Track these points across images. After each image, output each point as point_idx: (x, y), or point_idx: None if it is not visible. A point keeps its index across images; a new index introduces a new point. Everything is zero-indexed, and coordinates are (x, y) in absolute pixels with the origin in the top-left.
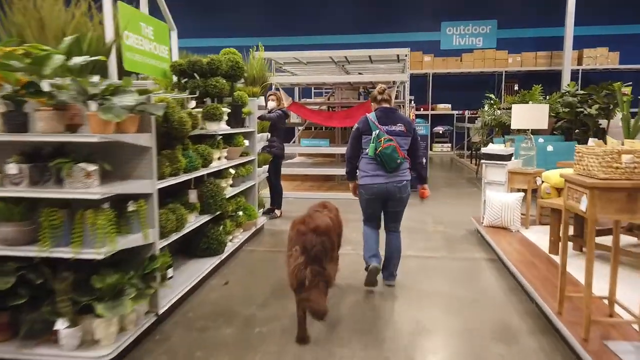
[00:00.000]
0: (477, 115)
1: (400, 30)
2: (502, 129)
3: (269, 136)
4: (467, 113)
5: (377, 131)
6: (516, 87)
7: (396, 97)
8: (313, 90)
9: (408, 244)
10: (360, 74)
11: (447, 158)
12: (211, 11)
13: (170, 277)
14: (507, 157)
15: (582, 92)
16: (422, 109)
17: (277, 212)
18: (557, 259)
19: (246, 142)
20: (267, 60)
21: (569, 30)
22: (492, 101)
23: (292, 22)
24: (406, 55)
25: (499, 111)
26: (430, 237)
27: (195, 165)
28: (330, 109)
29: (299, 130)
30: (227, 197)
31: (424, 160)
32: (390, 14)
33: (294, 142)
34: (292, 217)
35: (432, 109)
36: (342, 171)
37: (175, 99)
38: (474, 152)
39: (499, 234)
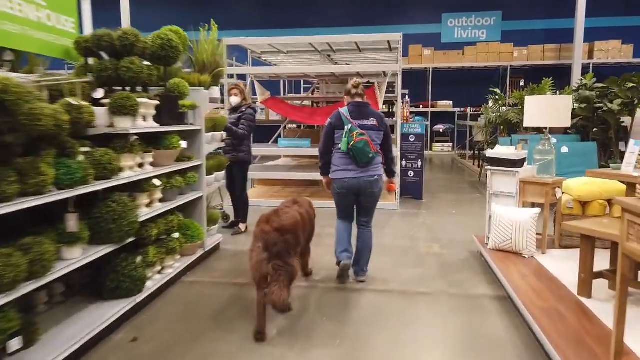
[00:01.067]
0: (480, 113)
1: (398, 23)
2: (508, 128)
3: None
4: (469, 110)
5: (350, 125)
6: (522, 83)
7: (388, 92)
8: (302, 85)
9: (392, 270)
10: (348, 64)
11: (448, 159)
12: (196, 4)
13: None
14: (519, 163)
15: (600, 85)
16: (421, 106)
17: (242, 226)
18: (590, 305)
19: (183, 144)
20: (237, 50)
21: (580, 21)
22: (497, 97)
23: (282, 15)
24: (399, 42)
25: (504, 108)
26: (423, 262)
27: (76, 178)
28: (315, 104)
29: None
30: (149, 216)
31: (394, 156)
32: (386, 4)
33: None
34: None
35: (432, 106)
36: None
37: (62, 85)
38: (476, 152)
39: (509, 260)
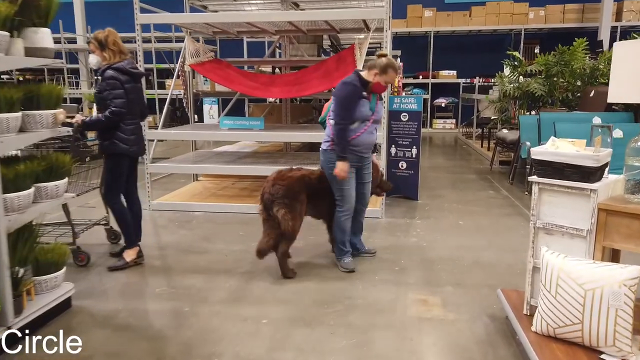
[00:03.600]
0: (491, 84)
1: None
2: (529, 102)
3: (89, 118)
4: (478, 81)
5: None
6: (537, 50)
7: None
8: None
9: None
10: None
11: (450, 138)
12: None
13: None
14: (597, 173)
15: None
16: (420, 77)
17: (129, 254)
18: None
19: None
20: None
21: None
22: (515, 62)
23: None
24: None
25: (522, 78)
26: (411, 345)
27: None
28: (279, 71)
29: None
30: None
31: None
32: None
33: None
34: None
35: (433, 77)
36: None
37: None
38: (486, 132)
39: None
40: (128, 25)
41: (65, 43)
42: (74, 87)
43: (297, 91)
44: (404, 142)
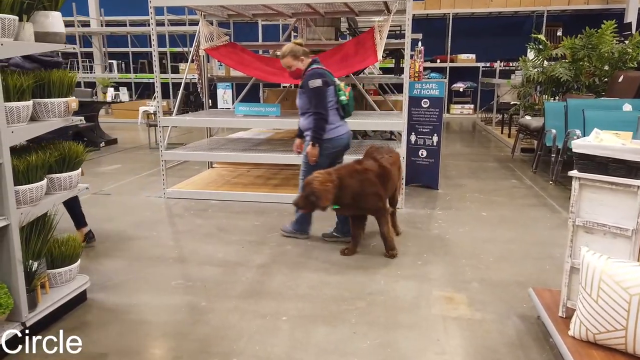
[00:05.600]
0: (514, 68)
1: None
2: (554, 87)
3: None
4: (499, 65)
5: (336, 80)
6: (559, 33)
7: (394, 36)
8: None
9: None
10: None
11: (468, 123)
12: None
13: None
14: None
15: None
16: (438, 60)
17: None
18: None
19: None
20: None
21: None
22: (540, 46)
23: None
24: None
25: (546, 62)
26: (438, 347)
27: None
28: None
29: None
30: None
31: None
32: None
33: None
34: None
35: (452, 61)
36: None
37: None
38: (506, 118)
39: None
40: (143, 8)
41: (78, 26)
42: (88, 72)
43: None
44: (424, 130)
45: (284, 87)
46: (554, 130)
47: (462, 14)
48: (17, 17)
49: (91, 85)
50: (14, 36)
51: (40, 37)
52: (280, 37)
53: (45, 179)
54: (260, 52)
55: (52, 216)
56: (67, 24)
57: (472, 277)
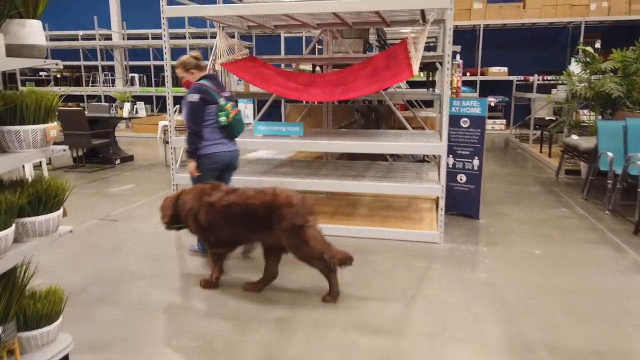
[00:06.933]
0: (553, 82)
1: None
2: (603, 104)
3: None
4: (536, 79)
5: (221, 99)
6: (597, 45)
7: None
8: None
9: None
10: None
11: (500, 139)
12: None
13: None
14: None
15: None
16: (468, 74)
17: None
18: None
19: None
20: None
21: None
22: (587, 59)
23: None
24: None
25: (593, 76)
26: None
27: None
28: (320, 70)
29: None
30: None
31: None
32: None
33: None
34: None
35: (482, 74)
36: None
37: None
38: (546, 135)
39: None
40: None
41: (100, 40)
42: (110, 85)
43: (341, 93)
44: (463, 152)
45: (306, 102)
46: (610, 154)
47: (493, 25)
48: None
49: (113, 100)
50: None
51: (15, 50)
52: (304, 50)
53: (14, 224)
54: (283, 66)
55: (25, 267)
56: (89, 37)
57: (537, 342)
